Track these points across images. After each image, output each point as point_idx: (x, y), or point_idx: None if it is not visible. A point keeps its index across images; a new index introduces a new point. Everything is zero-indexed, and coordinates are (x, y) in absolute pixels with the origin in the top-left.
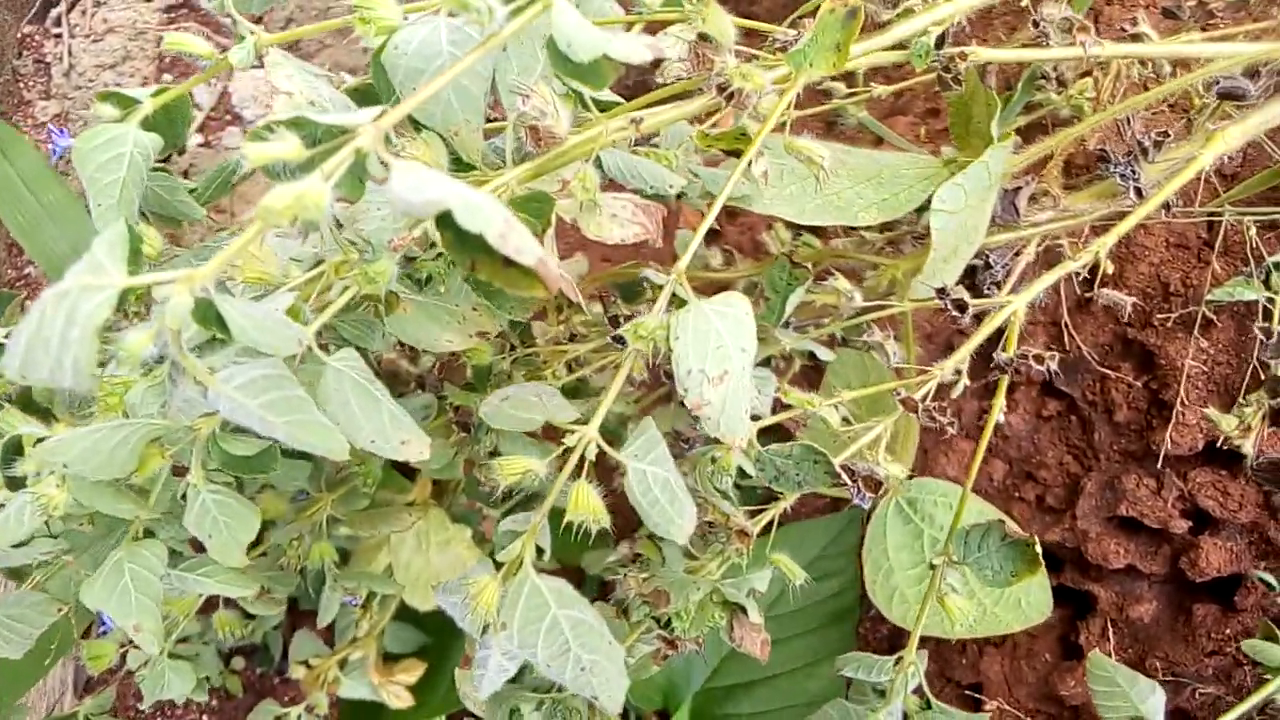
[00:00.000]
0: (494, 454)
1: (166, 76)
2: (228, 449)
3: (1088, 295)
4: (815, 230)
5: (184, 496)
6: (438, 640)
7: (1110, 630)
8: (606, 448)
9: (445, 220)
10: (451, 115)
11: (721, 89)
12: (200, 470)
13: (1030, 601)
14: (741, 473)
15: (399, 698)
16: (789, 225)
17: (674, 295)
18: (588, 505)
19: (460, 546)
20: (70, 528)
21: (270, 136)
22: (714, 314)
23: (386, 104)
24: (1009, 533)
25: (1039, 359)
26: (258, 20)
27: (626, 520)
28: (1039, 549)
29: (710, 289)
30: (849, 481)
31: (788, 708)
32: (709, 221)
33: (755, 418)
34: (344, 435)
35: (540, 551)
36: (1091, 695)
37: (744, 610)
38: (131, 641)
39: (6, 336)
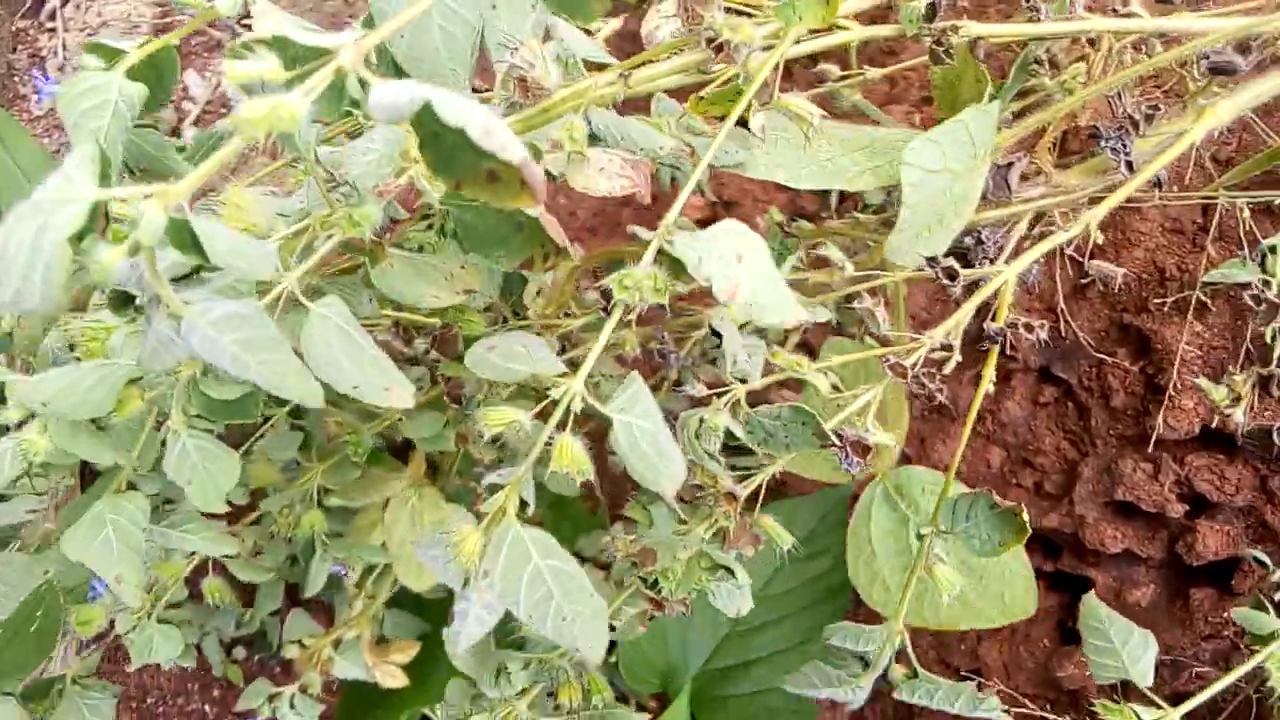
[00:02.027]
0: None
1: None
2: (208, 392)
3: (1083, 281)
4: (808, 216)
5: (164, 443)
6: (438, 627)
7: None
8: (592, 401)
9: (428, 136)
10: (439, 64)
11: (710, 41)
12: (180, 415)
13: (1013, 597)
14: (729, 436)
15: (393, 677)
16: (783, 209)
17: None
18: (571, 458)
19: None
20: (54, 483)
21: (250, 56)
22: (719, 231)
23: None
24: (996, 502)
25: (1028, 328)
26: None
27: (619, 501)
28: (1026, 517)
29: None
30: (838, 446)
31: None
32: (698, 174)
33: (743, 380)
34: (327, 381)
35: (524, 504)
36: (1084, 646)
37: (732, 573)
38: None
39: None
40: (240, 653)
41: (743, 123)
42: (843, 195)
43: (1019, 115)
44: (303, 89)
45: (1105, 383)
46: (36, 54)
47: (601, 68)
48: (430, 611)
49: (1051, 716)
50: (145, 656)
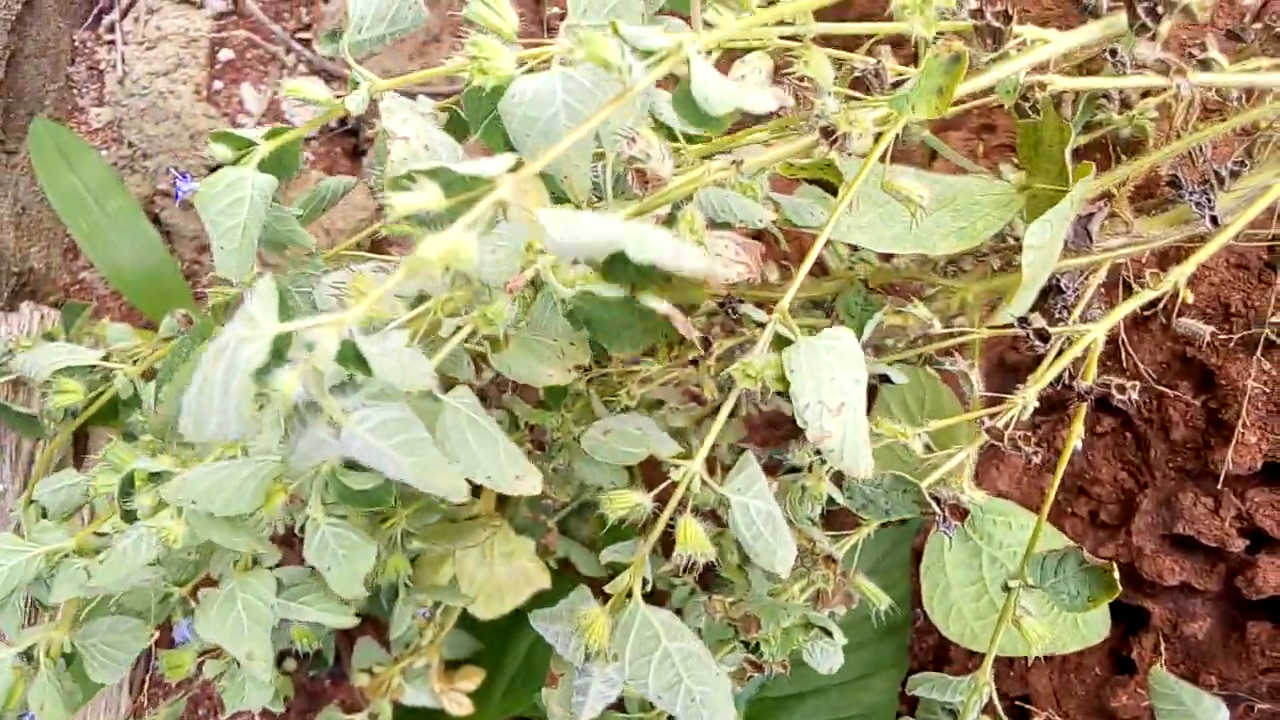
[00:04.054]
0: (556, 470)
1: (218, 84)
2: (346, 483)
3: (1145, 313)
4: None
5: (301, 529)
6: (491, 646)
7: (1163, 646)
8: (711, 483)
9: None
10: (564, 161)
11: (826, 133)
12: (320, 505)
13: (1087, 622)
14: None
15: (460, 705)
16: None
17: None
18: (696, 541)
19: (524, 559)
20: (179, 558)
21: (412, 186)
22: (824, 349)
23: (475, 131)
24: (1086, 558)
25: (1120, 388)
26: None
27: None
28: (1116, 574)
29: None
30: (937, 510)
31: (840, 719)
32: (812, 258)
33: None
34: (462, 473)
35: (645, 582)
36: (1155, 713)
37: (829, 634)
38: (210, 651)
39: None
40: (290, 664)
41: (826, 186)
42: None
43: (1085, 150)
44: (466, 221)
45: (1166, 415)
46: (95, 66)
47: (690, 139)
48: (483, 630)
49: None
50: (238, 704)
